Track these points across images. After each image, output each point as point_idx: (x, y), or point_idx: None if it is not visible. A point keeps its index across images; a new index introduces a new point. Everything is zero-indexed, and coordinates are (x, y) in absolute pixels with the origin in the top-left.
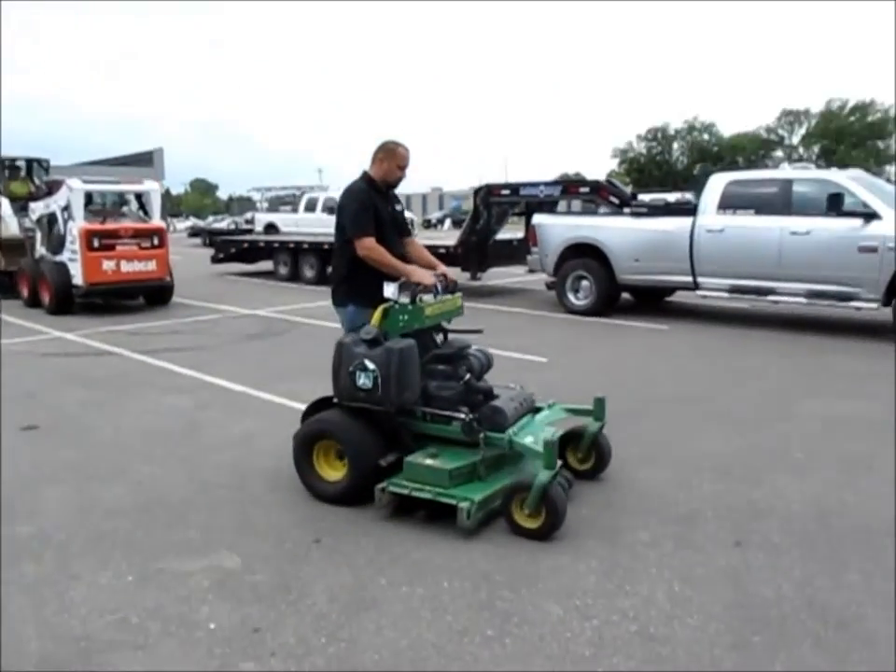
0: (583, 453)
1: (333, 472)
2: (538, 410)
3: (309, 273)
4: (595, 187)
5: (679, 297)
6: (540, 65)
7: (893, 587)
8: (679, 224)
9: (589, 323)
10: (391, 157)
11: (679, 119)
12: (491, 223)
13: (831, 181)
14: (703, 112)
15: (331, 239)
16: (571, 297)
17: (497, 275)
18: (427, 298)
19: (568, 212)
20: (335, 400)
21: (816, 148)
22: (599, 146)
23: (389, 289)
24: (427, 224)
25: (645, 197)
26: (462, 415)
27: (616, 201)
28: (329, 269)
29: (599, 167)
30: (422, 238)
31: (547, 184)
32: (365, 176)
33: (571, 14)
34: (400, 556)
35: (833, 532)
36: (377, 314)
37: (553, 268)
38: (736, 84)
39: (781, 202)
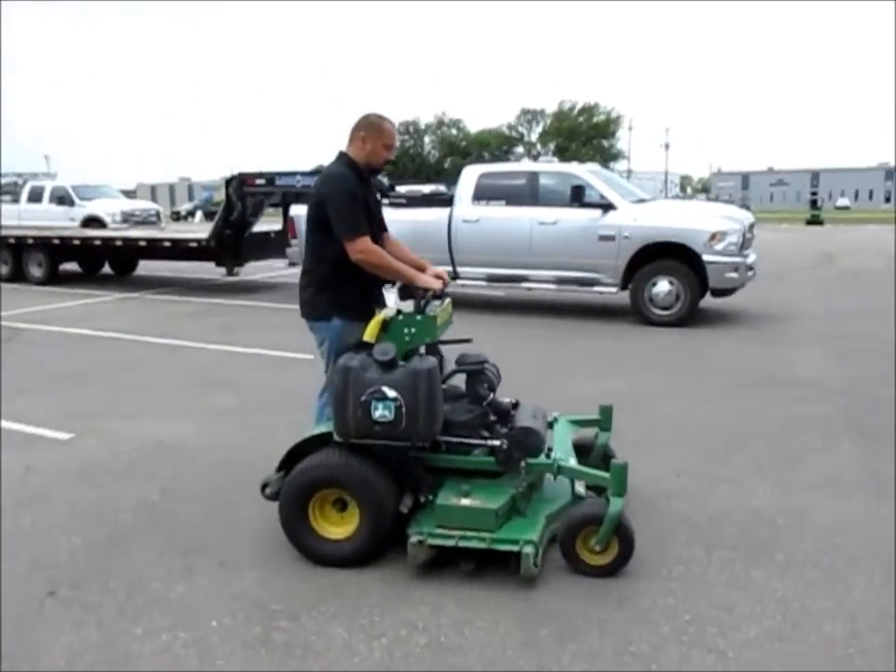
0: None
1: (335, 528)
2: (549, 425)
3: (36, 272)
4: None
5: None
6: (287, 55)
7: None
8: (438, 215)
9: None
10: (376, 134)
11: (430, 114)
12: (246, 215)
13: (572, 174)
14: (451, 109)
15: (64, 233)
16: None
17: (257, 270)
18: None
19: None
20: (336, 438)
21: (552, 145)
22: None
23: (391, 298)
24: (176, 216)
25: (402, 189)
26: (496, 442)
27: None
28: (64, 267)
29: None
30: (171, 231)
31: (304, 174)
32: (345, 160)
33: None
34: (158, 598)
35: None
36: (373, 327)
37: None
38: (481, 83)
39: (529, 193)
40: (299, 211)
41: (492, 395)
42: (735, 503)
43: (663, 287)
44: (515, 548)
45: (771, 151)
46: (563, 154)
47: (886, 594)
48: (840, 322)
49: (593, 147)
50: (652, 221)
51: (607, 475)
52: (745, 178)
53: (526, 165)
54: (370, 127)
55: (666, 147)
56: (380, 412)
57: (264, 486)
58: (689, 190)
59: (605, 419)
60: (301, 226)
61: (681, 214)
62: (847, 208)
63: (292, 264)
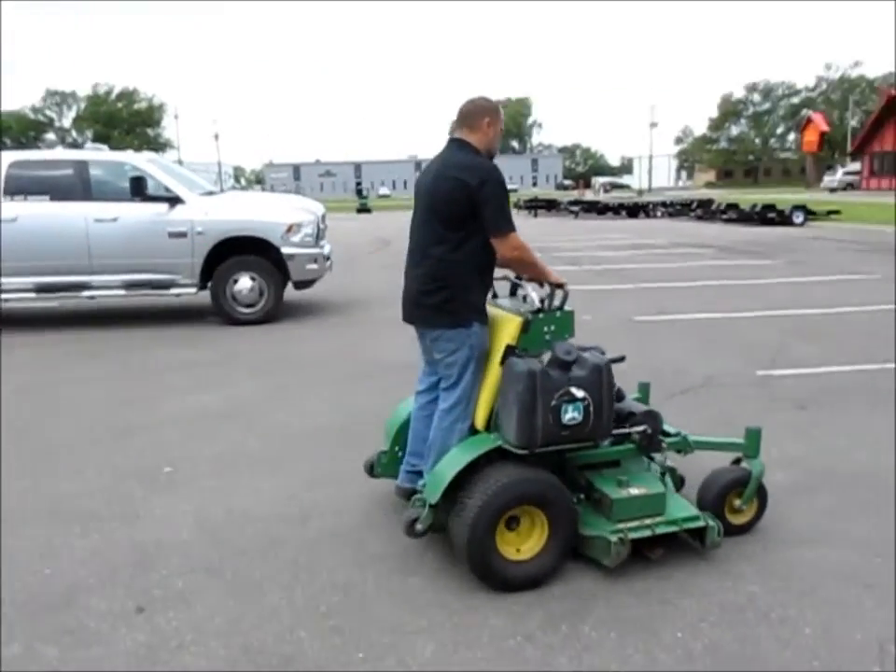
0: None
1: (511, 548)
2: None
3: None
4: None
5: None
6: None
7: None
8: None
9: None
10: (499, 119)
11: None
12: None
13: (128, 163)
14: None
15: None
16: None
17: None
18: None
19: None
20: (517, 451)
21: (90, 133)
22: None
23: (535, 294)
24: None
25: None
26: (641, 427)
27: None
28: None
29: None
30: None
31: None
32: (472, 148)
33: None
34: None
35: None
36: (514, 328)
37: None
38: None
39: (80, 186)
40: None
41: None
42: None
43: (245, 283)
44: (701, 523)
45: (319, 144)
46: (105, 143)
47: None
48: None
49: (137, 136)
50: (226, 215)
51: (741, 440)
52: (296, 169)
53: (71, 153)
54: (495, 112)
55: (216, 137)
56: (570, 414)
57: (412, 524)
58: (243, 181)
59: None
60: None
61: (255, 206)
62: (388, 196)
63: None
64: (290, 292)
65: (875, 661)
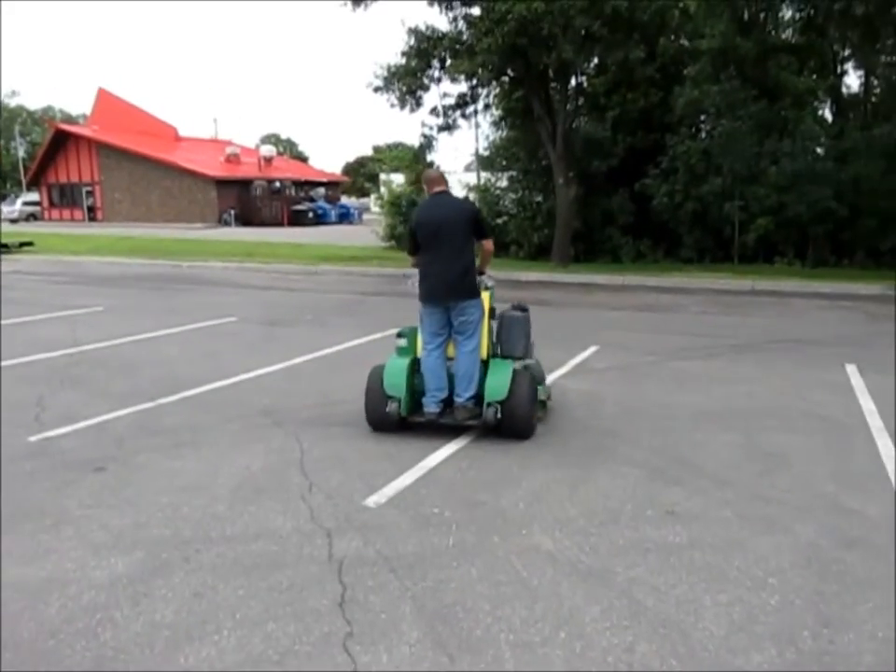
0: None
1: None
2: None
3: None
4: None
5: None
6: None
7: None
8: None
9: None
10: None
11: None
12: None
13: None
14: None
15: None
16: None
17: None
18: None
19: None
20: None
21: None
22: None
23: (486, 278)
24: None
25: None
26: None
27: None
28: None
29: None
30: None
31: None
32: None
33: None
34: None
35: None
36: (489, 297)
37: None
38: None
39: None
40: None
41: None
42: None
43: None
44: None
45: None
46: None
47: None
48: None
49: None
50: None
51: None
52: None
53: None
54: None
55: None
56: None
57: (474, 416)
58: None
59: None
60: None
61: None
62: None
63: None
64: None
65: None
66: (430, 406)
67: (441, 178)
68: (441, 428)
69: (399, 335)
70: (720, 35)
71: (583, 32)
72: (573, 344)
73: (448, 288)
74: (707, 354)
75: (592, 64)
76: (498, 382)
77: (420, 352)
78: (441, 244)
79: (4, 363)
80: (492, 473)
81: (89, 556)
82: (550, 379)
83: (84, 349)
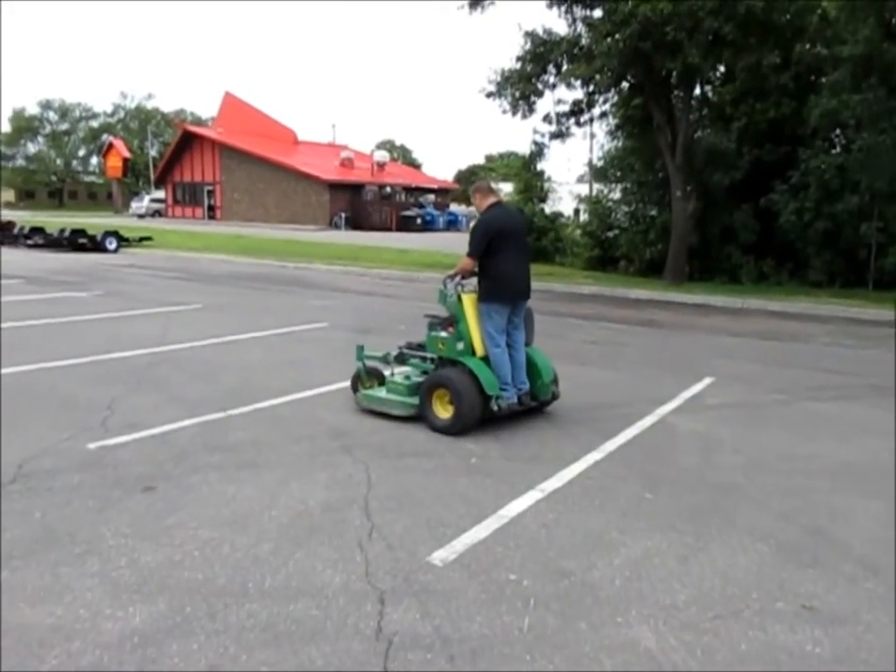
0: None
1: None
2: None
3: None
4: None
5: None
6: None
7: None
8: None
9: None
10: None
11: None
12: None
13: None
14: None
15: None
16: None
17: None
18: None
19: None
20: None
21: None
22: None
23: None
24: None
25: None
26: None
27: None
28: None
29: None
30: None
31: None
32: None
33: None
34: None
35: None
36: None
37: None
38: None
39: None
40: None
41: None
42: None
43: None
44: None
45: None
46: None
47: None
48: None
49: None
50: None
51: None
52: None
53: None
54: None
55: None
56: None
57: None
58: None
59: None
60: None
61: None
62: None
63: None
64: None
65: None
66: (513, 398)
67: (494, 190)
68: (519, 471)
69: (459, 339)
70: (864, 40)
71: (712, 35)
72: (685, 374)
73: (522, 289)
74: (844, 395)
75: (718, 72)
76: (547, 363)
77: (482, 350)
78: (519, 249)
79: (86, 359)
80: (583, 534)
81: (106, 601)
82: (656, 414)
83: (169, 349)
